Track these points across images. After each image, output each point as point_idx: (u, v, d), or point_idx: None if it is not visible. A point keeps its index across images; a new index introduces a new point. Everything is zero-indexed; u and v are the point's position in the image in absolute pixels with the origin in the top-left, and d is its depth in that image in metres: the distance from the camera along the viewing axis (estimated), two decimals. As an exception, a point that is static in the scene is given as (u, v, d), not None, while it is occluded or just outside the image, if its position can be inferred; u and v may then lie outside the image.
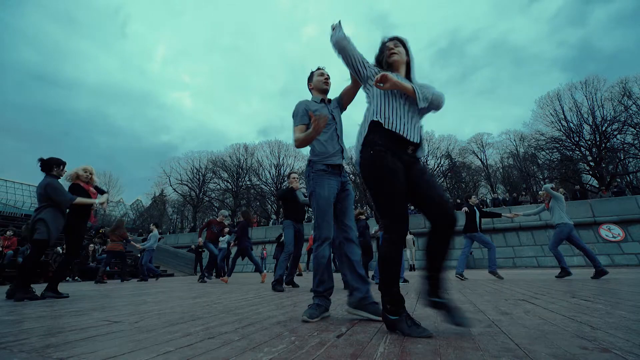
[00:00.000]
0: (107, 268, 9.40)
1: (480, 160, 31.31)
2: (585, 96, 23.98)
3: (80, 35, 58.60)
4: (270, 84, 66.61)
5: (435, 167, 29.27)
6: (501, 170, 31.61)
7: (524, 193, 22.40)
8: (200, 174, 34.45)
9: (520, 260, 13.48)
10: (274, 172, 32.54)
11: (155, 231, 9.24)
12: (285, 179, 32.48)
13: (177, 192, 34.75)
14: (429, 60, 62.29)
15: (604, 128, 23.25)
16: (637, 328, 1.40)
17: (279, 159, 32.88)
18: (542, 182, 28.84)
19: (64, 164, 3.89)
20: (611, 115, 22.96)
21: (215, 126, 62.20)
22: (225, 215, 7.85)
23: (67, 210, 3.78)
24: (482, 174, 31.40)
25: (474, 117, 54.70)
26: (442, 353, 1.09)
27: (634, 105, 22.16)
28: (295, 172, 5.15)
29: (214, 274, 8.67)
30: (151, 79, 64.55)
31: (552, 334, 1.33)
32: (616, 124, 22.81)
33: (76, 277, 8.82)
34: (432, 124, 56.79)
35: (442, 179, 29.04)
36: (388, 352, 1.11)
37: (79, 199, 3.75)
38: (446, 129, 64.95)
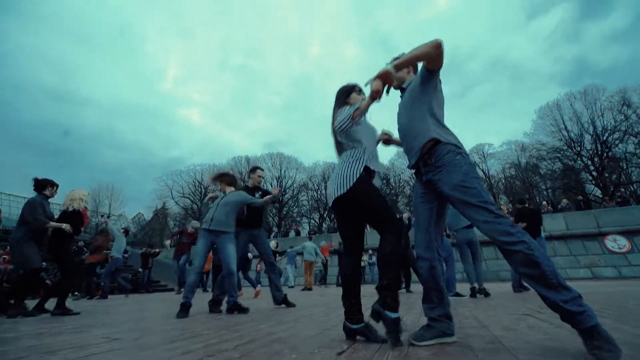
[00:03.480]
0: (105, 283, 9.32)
1: (482, 170, 31.28)
2: (585, 106, 24.16)
3: (96, 55, 60.86)
4: (276, 99, 68.23)
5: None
6: (503, 181, 31.54)
7: (527, 204, 22.24)
8: (202, 187, 34.55)
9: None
10: (276, 184, 32.59)
11: (122, 238, 8.00)
12: (288, 190, 32.58)
13: (179, 205, 34.81)
14: None
15: (605, 137, 23.32)
16: (642, 343, 1.38)
17: (281, 171, 33.03)
18: (544, 192, 28.75)
19: (56, 185, 4.03)
20: (611, 124, 23.07)
21: (222, 140, 63.39)
22: (195, 227, 7.56)
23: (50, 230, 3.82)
24: (484, 185, 31.32)
25: (475, 130, 55.39)
26: (444, 371, 1.07)
27: (634, 115, 22.26)
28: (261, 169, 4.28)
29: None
30: (162, 96, 66.44)
31: (556, 350, 1.31)
32: (617, 133, 22.89)
33: (76, 293, 8.73)
34: (433, 136, 57.20)
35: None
36: (389, 371, 1.10)
37: (51, 224, 3.79)
38: (447, 140, 65.28)
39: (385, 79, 1.49)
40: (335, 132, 1.81)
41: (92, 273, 7.90)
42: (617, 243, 12.82)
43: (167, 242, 7.39)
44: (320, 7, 73.13)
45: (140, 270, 11.03)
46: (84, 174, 48.90)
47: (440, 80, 1.63)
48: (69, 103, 56.19)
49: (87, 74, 60.57)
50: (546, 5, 52.78)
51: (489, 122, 54.84)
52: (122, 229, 8.50)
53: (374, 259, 14.42)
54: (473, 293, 4.60)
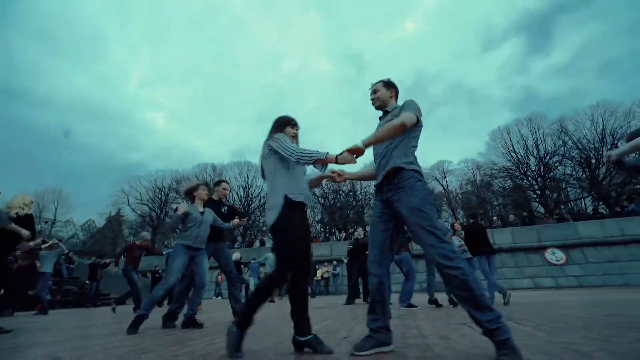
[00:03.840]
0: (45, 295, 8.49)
1: (442, 186, 33.14)
2: (530, 131, 26.84)
3: (56, 54, 56.56)
4: (248, 109, 67.78)
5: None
6: (460, 196, 33.61)
7: (480, 219, 23.92)
8: (162, 193, 32.89)
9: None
10: (242, 194, 31.95)
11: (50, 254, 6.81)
12: (254, 199, 32.00)
13: (135, 212, 32.74)
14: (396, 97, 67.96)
15: (546, 160, 25.92)
16: (549, 349, 1.63)
17: (248, 180, 32.46)
18: (496, 208, 31.10)
19: None
20: (552, 148, 25.77)
21: (188, 146, 61.25)
22: (147, 239, 7.22)
23: None
24: (444, 199, 33.13)
25: (437, 148, 59.25)
26: (375, 378, 1.21)
27: (570, 141, 25.08)
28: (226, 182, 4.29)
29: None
30: (126, 99, 62.94)
31: (477, 356, 1.51)
32: (556, 156, 25.58)
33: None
34: (398, 151, 60.02)
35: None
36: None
37: (13, 226, 3.50)
38: (411, 157, 68.98)
39: (355, 153, 1.68)
40: (264, 157, 1.96)
41: (27, 283, 7.11)
42: (555, 256, 14.20)
43: (114, 270, 6.65)
44: (294, 23, 74.72)
45: (87, 282, 10.20)
46: (33, 177, 44.27)
47: (420, 124, 1.82)
48: (23, 101, 51.43)
49: (44, 72, 56.10)
50: (498, 40, 59.02)
51: (449, 141, 58.69)
52: (53, 240, 6.99)
53: (338, 269, 14.59)
54: (437, 304, 5.02)
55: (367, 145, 1.66)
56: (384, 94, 2.00)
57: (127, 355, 1.84)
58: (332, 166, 1.87)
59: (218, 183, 4.17)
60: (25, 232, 3.52)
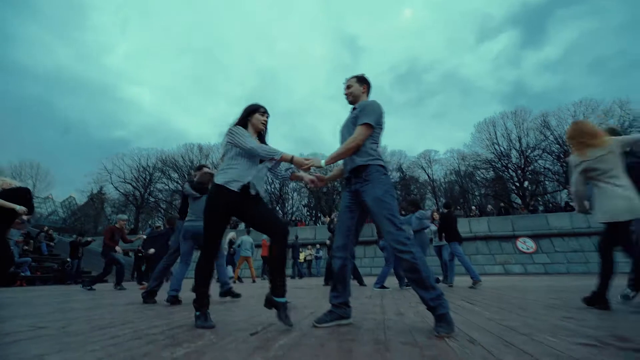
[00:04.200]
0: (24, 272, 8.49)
1: (428, 175, 33.86)
2: (515, 125, 27.46)
3: (34, 19, 52.76)
4: (238, 89, 66.08)
5: (387, 179, 31.20)
6: (445, 185, 34.48)
7: (458, 207, 24.78)
8: (147, 172, 32.31)
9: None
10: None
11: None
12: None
13: (118, 190, 32.14)
14: (389, 84, 67.71)
15: (528, 153, 26.76)
16: (484, 324, 1.88)
17: (235, 161, 32.16)
18: (477, 198, 32.17)
19: None
20: (534, 142, 26.57)
21: (175, 125, 59.73)
22: (124, 219, 7.18)
23: None
24: (429, 188, 33.94)
25: (426, 137, 60.01)
26: (325, 344, 1.42)
27: (551, 135, 25.90)
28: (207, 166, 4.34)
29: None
30: (109, 70, 60.05)
31: (418, 328, 1.74)
32: (537, 150, 26.43)
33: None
34: (387, 140, 60.63)
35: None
36: (285, 344, 1.41)
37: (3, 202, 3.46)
38: (401, 145, 69.85)
39: (315, 165, 1.93)
40: (227, 144, 2.05)
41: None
42: (526, 244, 15.03)
43: (139, 237, 6.90)
44: (290, 3, 72.15)
45: (68, 260, 10.19)
46: (8, 151, 42.38)
47: (380, 127, 2.00)
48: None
49: (20, 39, 52.66)
50: (493, 31, 59.08)
51: (439, 130, 59.63)
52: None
53: (321, 253, 15.02)
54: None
55: (327, 163, 1.90)
56: (357, 90, 2.14)
57: (109, 325, 2.00)
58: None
59: (200, 168, 4.26)
60: (20, 208, 3.42)
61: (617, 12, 44.29)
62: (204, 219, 1.95)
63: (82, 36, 58.80)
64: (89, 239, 10.60)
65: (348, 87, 2.16)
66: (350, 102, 2.17)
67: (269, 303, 1.86)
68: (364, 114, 1.93)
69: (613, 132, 2.84)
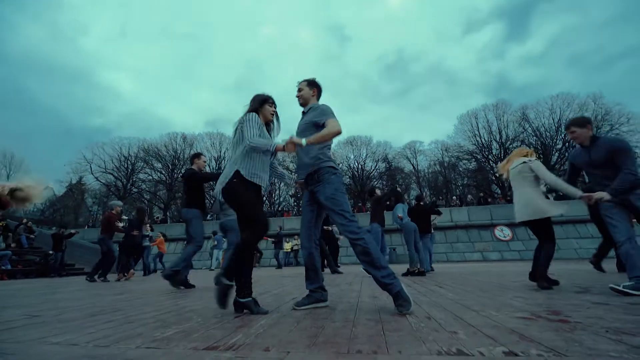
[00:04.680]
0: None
1: (413, 165, 34.52)
2: (496, 117, 28.26)
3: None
4: (223, 76, 64.46)
5: (372, 169, 31.60)
6: (429, 176, 35.29)
7: (441, 197, 25.53)
8: (129, 162, 31.54)
9: (434, 256, 15.40)
10: (215, 166, 31.41)
11: None
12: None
13: (99, 181, 31.31)
14: (377, 73, 67.83)
15: (507, 145, 27.68)
16: (444, 303, 2.12)
17: (220, 151, 31.85)
18: (460, 188, 33.18)
19: None
20: (513, 134, 27.48)
21: (158, 113, 57.92)
22: (120, 206, 7.04)
23: None
24: (413, 178, 34.67)
25: (412, 128, 60.90)
26: (301, 322, 1.61)
27: (529, 128, 26.86)
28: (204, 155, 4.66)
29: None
30: (85, 54, 57.18)
31: (385, 309, 1.96)
32: (516, 142, 27.36)
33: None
34: (373, 131, 61.19)
35: (378, 180, 31.46)
36: (265, 323, 1.59)
37: None
38: (387, 136, 70.43)
39: (297, 145, 1.92)
40: (236, 131, 2.13)
41: None
42: (504, 232, 15.78)
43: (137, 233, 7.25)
44: (276, -15, 70.31)
45: (51, 252, 10.02)
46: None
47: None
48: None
49: None
50: (479, 23, 59.76)
51: (424, 122, 60.45)
52: None
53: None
54: (413, 274, 5.24)
55: (309, 143, 1.97)
56: (307, 93, 2.30)
57: (101, 312, 2.14)
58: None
59: (198, 156, 4.56)
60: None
61: (598, 8, 45.67)
62: (249, 211, 1.99)
63: (53, 14, 55.60)
64: (73, 231, 10.45)
65: (299, 90, 2.31)
66: (301, 105, 2.33)
67: (239, 306, 1.96)
68: (327, 114, 2.08)
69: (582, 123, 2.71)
